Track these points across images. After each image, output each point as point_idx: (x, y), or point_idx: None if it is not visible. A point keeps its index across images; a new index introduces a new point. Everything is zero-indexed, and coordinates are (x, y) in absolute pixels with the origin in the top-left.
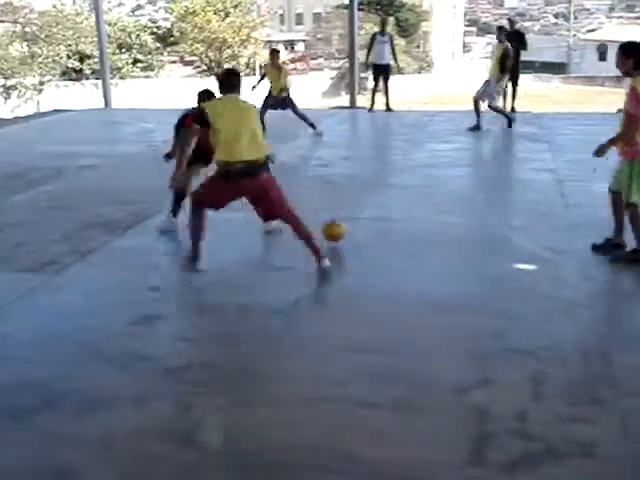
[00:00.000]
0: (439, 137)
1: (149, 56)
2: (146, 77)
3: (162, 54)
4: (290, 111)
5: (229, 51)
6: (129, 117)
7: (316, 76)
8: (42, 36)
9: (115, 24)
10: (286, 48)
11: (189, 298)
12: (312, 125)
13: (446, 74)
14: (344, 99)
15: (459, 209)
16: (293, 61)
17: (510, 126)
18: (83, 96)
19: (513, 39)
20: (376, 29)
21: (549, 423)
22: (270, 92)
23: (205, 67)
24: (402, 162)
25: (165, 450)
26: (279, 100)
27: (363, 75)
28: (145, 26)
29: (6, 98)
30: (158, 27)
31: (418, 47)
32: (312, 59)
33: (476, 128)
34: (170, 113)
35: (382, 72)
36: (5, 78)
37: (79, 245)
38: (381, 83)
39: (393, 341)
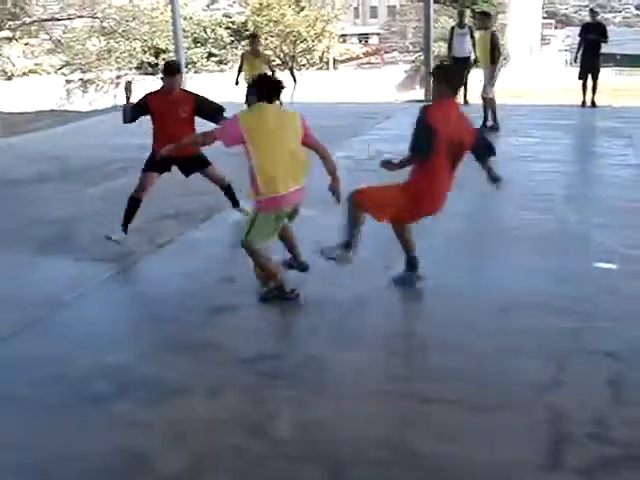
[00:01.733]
0: (516, 131)
1: (223, 50)
2: (220, 71)
3: (236, 48)
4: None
5: (303, 45)
6: None
7: (390, 70)
8: (119, 31)
9: (190, 18)
10: (360, 41)
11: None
12: None
13: (523, 67)
14: (418, 93)
15: (537, 205)
16: (367, 55)
17: (484, 127)
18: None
19: (594, 31)
20: (452, 22)
21: (628, 427)
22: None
23: (279, 61)
24: None
25: (236, 440)
26: None
27: None
28: (220, 22)
29: (84, 92)
30: (233, 22)
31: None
32: (386, 53)
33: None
34: (243, 107)
35: (462, 65)
36: (83, 72)
37: (154, 236)
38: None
39: (462, 338)
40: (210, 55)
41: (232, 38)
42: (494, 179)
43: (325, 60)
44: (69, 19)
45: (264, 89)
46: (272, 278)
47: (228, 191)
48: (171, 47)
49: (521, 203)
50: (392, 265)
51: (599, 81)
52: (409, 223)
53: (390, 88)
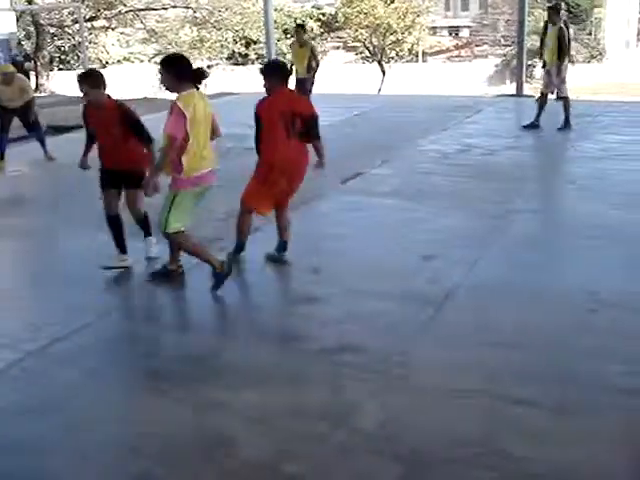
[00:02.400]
0: (610, 128)
1: (313, 42)
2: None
3: (326, 40)
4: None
5: (392, 37)
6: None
7: (480, 63)
8: (211, 21)
9: (281, 10)
10: (450, 34)
11: (347, 282)
12: None
13: (618, 63)
14: (509, 87)
15: (629, 204)
16: (457, 47)
17: (564, 128)
18: (248, 80)
19: None
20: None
21: None
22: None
23: (368, 53)
24: (570, 153)
25: (318, 429)
26: (302, 82)
27: (530, 62)
28: (310, 13)
29: None
30: (323, 13)
31: (589, 34)
32: (477, 46)
33: (533, 126)
34: (332, 98)
35: None
36: None
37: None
38: None
39: (548, 337)
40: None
41: (322, 30)
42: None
43: (414, 53)
44: (163, 9)
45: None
46: (207, 261)
47: (145, 221)
48: (262, 38)
49: (611, 202)
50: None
51: None
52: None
53: (480, 82)
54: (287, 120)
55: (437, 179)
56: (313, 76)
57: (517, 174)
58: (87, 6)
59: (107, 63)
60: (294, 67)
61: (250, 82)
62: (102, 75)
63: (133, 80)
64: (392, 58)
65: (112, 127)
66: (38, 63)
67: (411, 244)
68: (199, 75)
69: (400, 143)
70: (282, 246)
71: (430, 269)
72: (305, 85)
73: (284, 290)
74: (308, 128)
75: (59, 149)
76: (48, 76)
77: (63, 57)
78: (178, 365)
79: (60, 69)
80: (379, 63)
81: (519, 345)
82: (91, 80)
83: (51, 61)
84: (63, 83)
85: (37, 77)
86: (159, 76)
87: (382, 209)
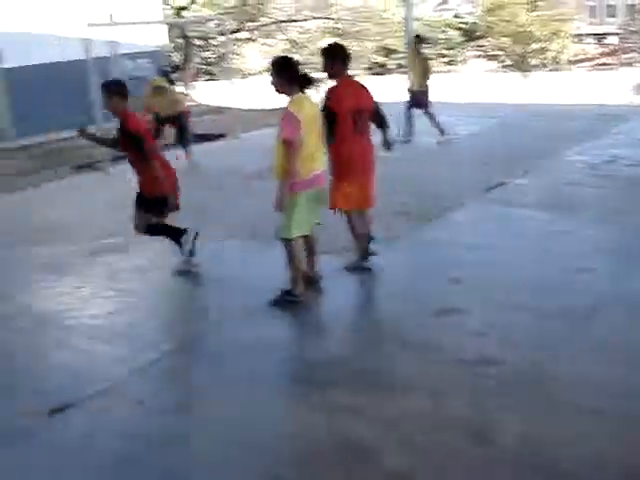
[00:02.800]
0: None
1: (452, 51)
2: (449, 72)
3: (466, 49)
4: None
5: (535, 45)
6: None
7: (627, 71)
8: (352, 32)
9: (421, 19)
10: (596, 42)
11: (488, 294)
12: (441, 130)
13: None
14: None
15: None
16: (603, 55)
17: None
18: (387, 89)
19: None
20: None
21: None
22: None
23: (510, 62)
24: None
25: (459, 443)
26: (417, 94)
27: None
28: (450, 22)
29: (316, 91)
30: (464, 22)
31: None
32: (624, 53)
33: None
34: (473, 107)
35: None
36: (316, 72)
37: (384, 232)
38: None
39: None
40: (440, 56)
41: (462, 39)
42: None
43: (558, 61)
44: (304, 20)
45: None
46: (299, 281)
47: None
48: (401, 48)
49: None
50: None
51: None
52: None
53: (626, 90)
54: (355, 115)
55: (582, 190)
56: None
57: None
58: (232, 19)
59: (248, 74)
60: (409, 79)
61: (388, 91)
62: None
63: (274, 91)
64: (535, 66)
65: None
66: (185, 74)
67: (555, 256)
68: (307, 80)
69: (543, 152)
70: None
71: (575, 282)
72: (420, 98)
73: (424, 299)
74: (375, 121)
75: (204, 156)
76: (194, 86)
77: (208, 68)
78: (315, 369)
79: (205, 80)
80: (521, 71)
81: None
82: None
83: (197, 72)
84: (207, 93)
85: (184, 87)
86: (270, 78)
87: (525, 220)
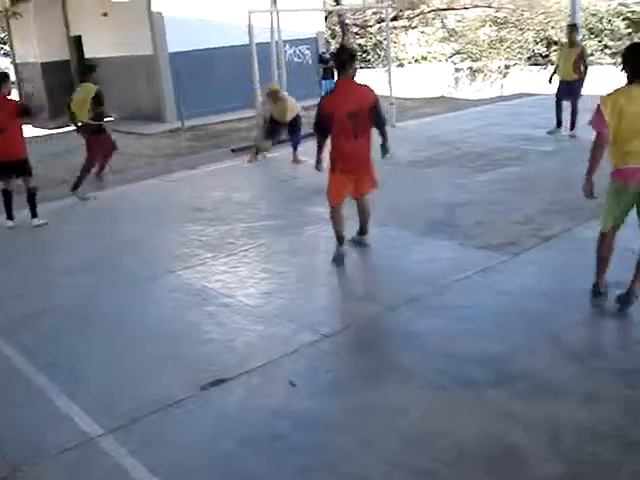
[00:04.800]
0: None
1: (619, 42)
2: (614, 64)
3: (633, 40)
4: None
5: None
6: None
7: None
8: (512, 20)
9: (587, 9)
10: None
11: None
12: (572, 124)
13: None
14: None
15: None
16: None
17: None
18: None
19: None
20: None
21: None
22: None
23: None
24: None
25: (612, 454)
26: (567, 86)
27: None
28: (619, 12)
29: (472, 80)
30: (632, 11)
31: None
32: None
33: None
34: None
35: None
36: (473, 61)
37: (540, 229)
38: None
39: None
40: (605, 47)
41: (630, 30)
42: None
43: None
44: (465, 9)
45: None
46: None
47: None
48: (564, 38)
49: None
50: None
51: None
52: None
53: None
54: (348, 118)
55: None
56: (582, 80)
57: None
58: (391, 6)
59: (405, 62)
60: (559, 69)
61: (548, 83)
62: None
63: (430, 79)
64: None
65: None
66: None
67: None
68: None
69: None
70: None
71: None
72: (573, 88)
73: (582, 302)
74: (374, 123)
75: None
76: None
77: (364, 55)
78: (469, 369)
79: (361, 67)
80: None
81: None
82: None
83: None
84: (363, 80)
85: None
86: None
87: None
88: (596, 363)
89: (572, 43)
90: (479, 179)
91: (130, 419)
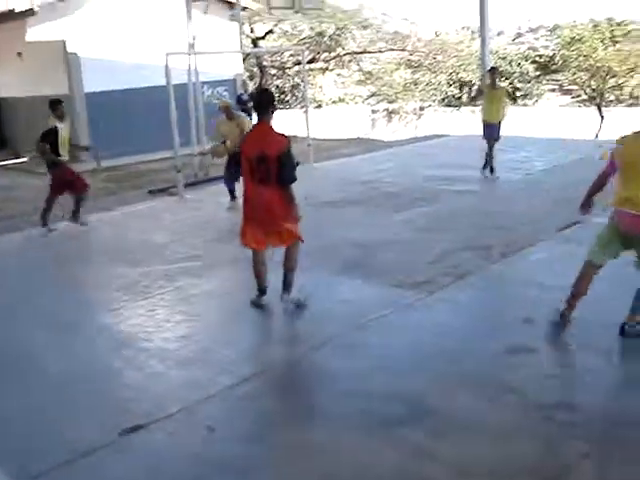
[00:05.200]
0: None
1: (528, 84)
2: (524, 105)
3: (541, 82)
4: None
5: (613, 81)
6: (506, 144)
7: None
8: (426, 63)
9: (496, 52)
10: None
11: (561, 335)
12: (491, 169)
13: None
14: None
15: None
16: None
17: None
18: (460, 122)
19: None
20: None
21: None
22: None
23: (586, 96)
24: None
25: None
26: (491, 128)
27: None
28: (526, 55)
29: (388, 121)
30: (540, 55)
31: None
32: None
33: None
34: (548, 143)
35: None
36: (389, 102)
37: (454, 267)
38: None
39: None
40: (515, 89)
41: (538, 72)
42: None
43: (636, 96)
44: (380, 52)
45: None
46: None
47: None
48: (476, 80)
49: None
50: None
51: None
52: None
53: None
54: (255, 163)
55: None
56: (501, 122)
57: None
58: (308, 49)
59: (322, 104)
60: (483, 111)
61: (461, 124)
62: None
63: (347, 120)
64: (611, 102)
65: None
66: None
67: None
68: None
69: None
70: (283, 283)
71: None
72: (496, 130)
73: (497, 339)
74: (277, 170)
75: None
76: None
77: (282, 97)
78: (384, 404)
79: (279, 109)
80: (597, 107)
81: None
82: None
83: None
84: (281, 121)
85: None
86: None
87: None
88: (510, 398)
89: (494, 85)
90: (395, 219)
91: (47, 468)
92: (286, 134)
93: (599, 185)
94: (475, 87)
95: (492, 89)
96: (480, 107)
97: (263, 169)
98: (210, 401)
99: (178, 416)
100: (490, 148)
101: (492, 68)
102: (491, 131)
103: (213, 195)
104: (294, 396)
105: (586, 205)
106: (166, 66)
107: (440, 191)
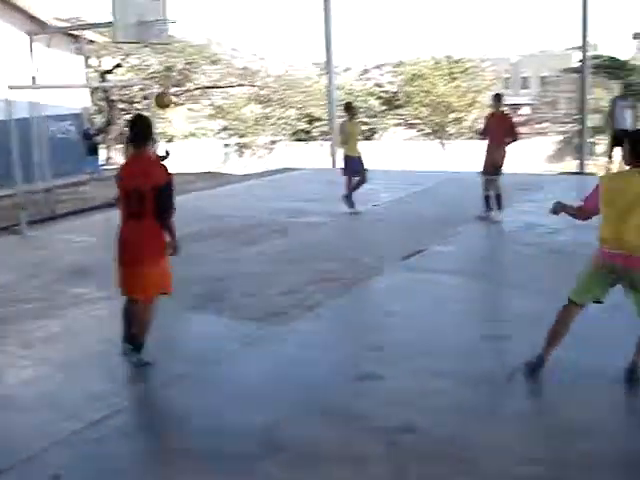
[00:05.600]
0: None
1: (374, 119)
2: (370, 139)
3: (386, 117)
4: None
5: (453, 115)
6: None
7: (540, 140)
8: (275, 98)
9: (343, 88)
10: (512, 112)
11: (409, 361)
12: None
13: None
14: (570, 164)
15: None
16: (517, 125)
17: None
18: (310, 156)
19: None
20: (605, 94)
21: None
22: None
23: (429, 130)
24: None
25: None
26: (353, 162)
27: (591, 140)
28: (372, 91)
29: (240, 155)
30: (385, 91)
31: None
32: (537, 123)
33: None
34: (393, 175)
35: (621, 138)
36: (240, 137)
37: (304, 299)
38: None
39: (615, 424)
40: (362, 124)
41: (383, 107)
42: None
43: (474, 130)
44: (230, 87)
45: None
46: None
47: None
48: (324, 115)
49: None
50: None
51: None
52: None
53: (540, 159)
54: (132, 196)
55: (499, 257)
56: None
57: (580, 253)
58: (157, 83)
59: (174, 138)
60: (344, 145)
61: (312, 158)
62: None
63: (199, 155)
64: (452, 135)
65: None
66: (108, 137)
67: (474, 323)
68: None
69: (461, 220)
70: (134, 344)
71: (495, 350)
72: (358, 164)
73: (344, 366)
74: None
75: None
76: (117, 149)
77: None
78: (238, 439)
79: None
80: (439, 140)
81: (587, 431)
82: None
83: (120, 135)
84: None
85: (107, 150)
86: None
87: (444, 287)
88: (358, 424)
89: (353, 117)
90: (245, 252)
91: None
92: (166, 165)
93: (581, 217)
94: (337, 122)
95: (350, 121)
96: (335, 142)
97: (140, 203)
98: (55, 448)
99: (21, 466)
100: (357, 183)
101: (347, 103)
102: (355, 165)
103: (59, 233)
104: (144, 437)
105: (561, 210)
106: (6, 99)
107: (290, 224)
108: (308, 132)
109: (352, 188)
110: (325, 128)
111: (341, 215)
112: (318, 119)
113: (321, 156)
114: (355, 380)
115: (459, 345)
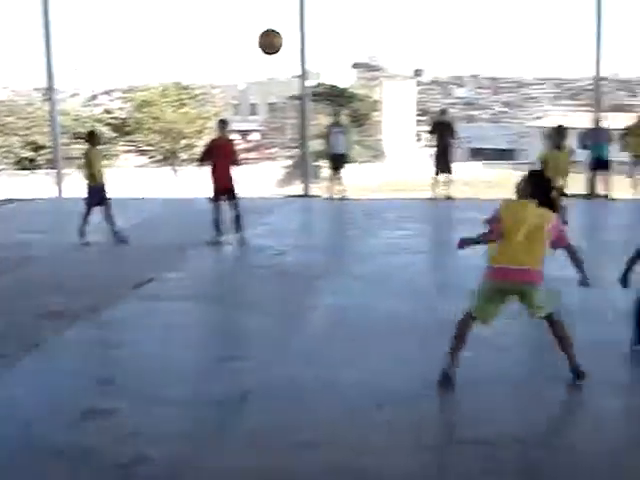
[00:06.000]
0: (393, 224)
1: (104, 146)
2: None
3: (117, 144)
4: None
5: (184, 141)
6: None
7: (270, 165)
8: None
9: (69, 114)
10: (241, 138)
11: (141, 391)
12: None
13: (398, 162)
14: (297, 188)
15: (411, 295)
16: (247, 150)
17: None
18: (37, 185)
19: (443, 129)
20: (328, 120)
21: None
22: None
23: (161, 157)
24: (356, 250)
25: None
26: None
27: (317, 164)
28: (100, 118)
29: None
30: (115, 117)
31: (370, 136)
32: (266, 148)
33: None
34: (124, 202)
35: (337, 161)
36: None
37: (27, 337)
38: (337, 172)
39: (346, 434)
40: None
41: (114, 134)
42: None
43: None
44: None
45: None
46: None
47: None
48: (49, 143)
49: (396, 294)
50: None
51: (453, 174)
52: None
53: (269, 183)
54: None
55: (230, 280)
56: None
57: (306, 273)
58: None
59: None
60: (87, 173)
61: (38, 187)
62: None
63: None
64: (185, 161)
65: None
66: None
67: (208, 347)
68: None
69: (192, 245)
70: None
71: (226, 371)
72: (101, 193)
73: (73, 404)
74: None
75: None
76: None
77: None
78: None
79: None
80: (171, 166)
81: (324, 443)
82: None
83: None
84: None
85: None
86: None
87: (176, 313)
88: (91, 460)
89: (95, 145)
90: None
91: None
92: None
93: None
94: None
95: (91, 150)
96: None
97: None
98: None
99: None
100: (106, 212)
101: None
102: (97, 194)
103: None
104: None
105: (467, 245)
106: None
107: (11, 257)
108: (33, 160)
109: (87, 218)
110: (50, 156)
111: (67, 246)
112: (43, 147)
113: (48, 185)
114: (83, 416)
115: (192, 370)
